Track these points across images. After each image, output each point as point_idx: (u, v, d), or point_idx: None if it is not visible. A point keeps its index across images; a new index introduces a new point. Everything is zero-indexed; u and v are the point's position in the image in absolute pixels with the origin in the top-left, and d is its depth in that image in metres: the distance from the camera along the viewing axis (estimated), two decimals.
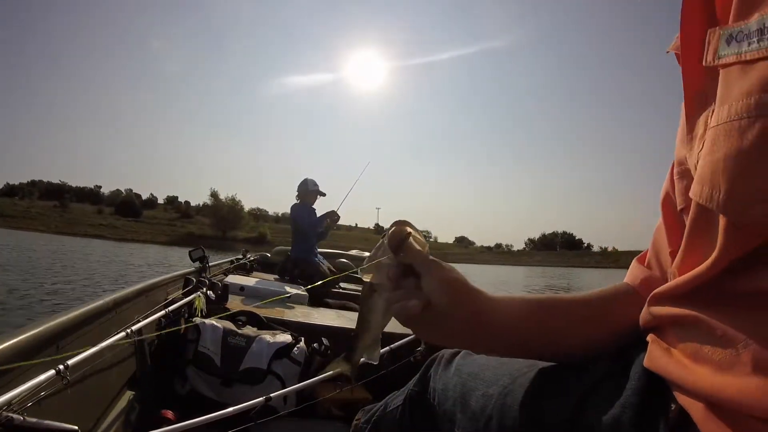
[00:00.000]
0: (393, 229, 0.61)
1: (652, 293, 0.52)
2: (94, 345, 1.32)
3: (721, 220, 0.38)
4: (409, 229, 0.60)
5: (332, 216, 4.92)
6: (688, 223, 0.46)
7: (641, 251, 0.67)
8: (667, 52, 0.53)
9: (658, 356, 0.49)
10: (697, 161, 0.41)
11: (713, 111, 0.39)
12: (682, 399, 0.43)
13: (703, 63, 0.40)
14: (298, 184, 4.99)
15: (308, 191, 4.91)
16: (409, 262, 0.58)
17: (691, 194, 0.41)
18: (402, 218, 0.62)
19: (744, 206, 0.35)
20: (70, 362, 1.14)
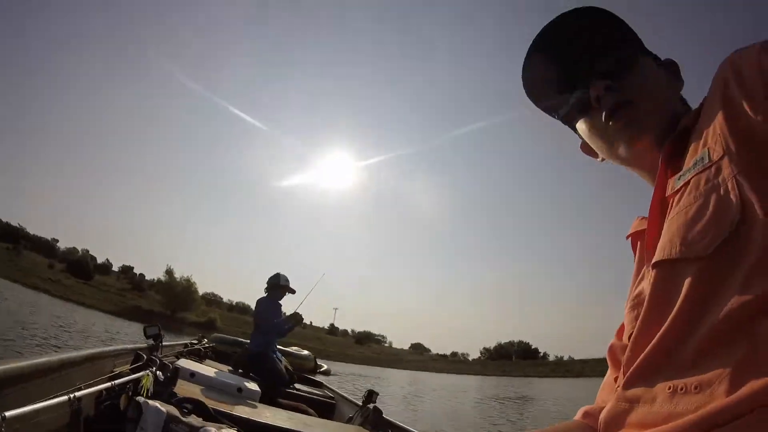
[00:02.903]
0: None
1: (625, 378, 0.58)
2: (33, 402, 1.24)
3: (685, 270, 0.52)
4: None
5: (297, 318, 4.87)
6: (646, 302, 0.58)
7: (597, 359, 0.69)
8: (627, 237, 0.77)
9: None
10: (651, 281, 0.58)
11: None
12: None
13: (666, 194, 0.62)
14: (264, 275, 5.01)
15: (278, 286, 4.88)
16: None
17: (655, 259, 0.58)
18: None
19: (691, 246, 0.52)
20: (7, 414, 1.08)
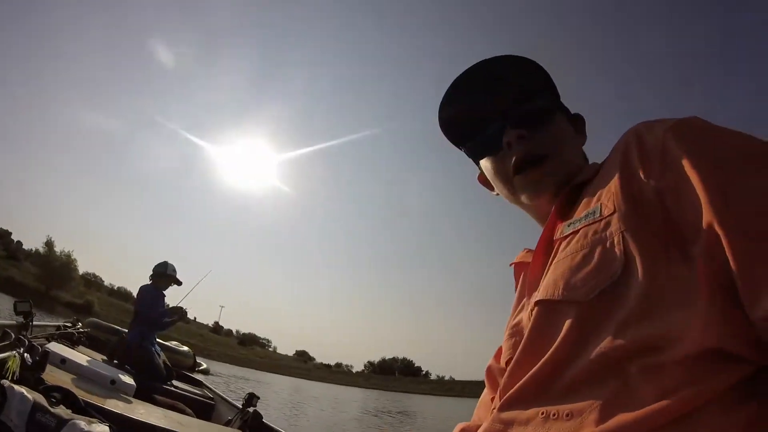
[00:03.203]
0: None
1: (501, 401, 0.62)
2: None
3: (566, 311, 0.57)
4: None
5: (180, 312, 4.70)
6: (526, 334, 0.63)
7: (477, 381, 0.74)
8: (510, 265, 0.83)
9: None
10: (532, 310, 0.63)
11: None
12: None
13: (554, 238, 0.67)
14: (152, 262, 4.79)
15: (165, 275, 4.69)
16: None
17: (538, 298, 0.62)
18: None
19: (573, 290, 0.56)
20: None
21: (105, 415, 2.16)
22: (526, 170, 0.73)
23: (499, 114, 0.76)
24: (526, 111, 0.75)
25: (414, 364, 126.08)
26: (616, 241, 0.55)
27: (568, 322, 0.56)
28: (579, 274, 0.57)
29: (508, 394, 0.61)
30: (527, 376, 0.58)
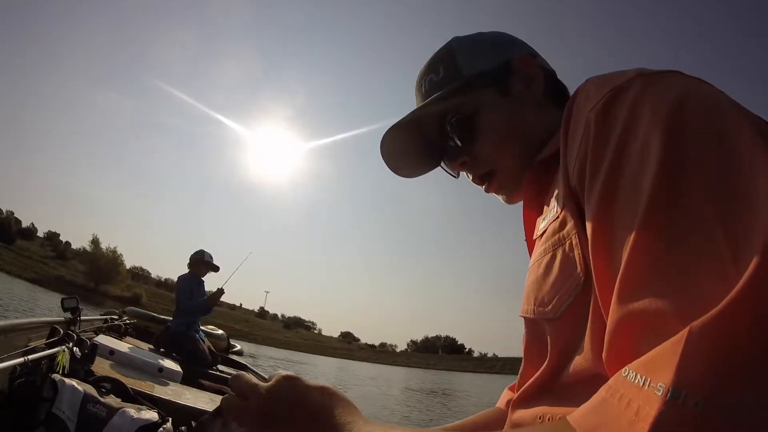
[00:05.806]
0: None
1: (514, 399, 0.61)
2: None
3: (544, 326, 0.56)
4: None
5: (217, 294, 4.79)
6: (524, 340, 0.63)
7: (518, 357, 0.73)
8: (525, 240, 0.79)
9: None
10: (524, 327, 0.63)
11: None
12: None
13: (533, 238, 0.63)
14: (190, 252, 4.86)
15: (202, 262, 4.76)
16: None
17: (519, 314, 0.62)
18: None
19: (543, 307, 0.53)
20: None
21: (154, 402, 2.24)
22: (486, 187, 0.73)
23: (440, 154, 0.77)
24: (454, 138, 0.70)
25: (457, 342, 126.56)
26: (574, 243, 0.49)
27: (549, 338, 0.54)
28: (545, 287, 0.53)
29: (517, 395, 0.60)
30: (530, 380, 0.57)
